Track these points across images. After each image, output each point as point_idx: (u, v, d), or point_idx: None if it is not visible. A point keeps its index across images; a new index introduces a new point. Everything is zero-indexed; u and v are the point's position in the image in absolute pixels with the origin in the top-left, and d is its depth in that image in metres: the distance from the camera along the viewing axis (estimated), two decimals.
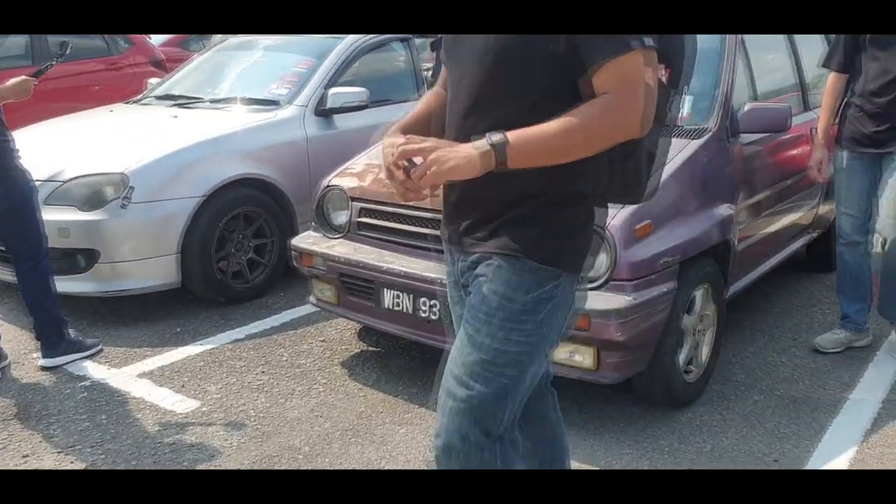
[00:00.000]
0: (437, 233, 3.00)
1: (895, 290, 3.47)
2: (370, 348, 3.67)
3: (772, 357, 3.56)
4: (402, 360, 3.52)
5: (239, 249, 4.21)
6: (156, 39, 12.58)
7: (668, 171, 2.94)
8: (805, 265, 4.67)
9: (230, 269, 4.17)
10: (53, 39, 8.38)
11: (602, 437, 2.88)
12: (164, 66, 9.10)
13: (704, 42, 3.52)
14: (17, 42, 8.19)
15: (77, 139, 4.42)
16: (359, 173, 3.44)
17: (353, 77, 4.93)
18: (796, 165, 3.89)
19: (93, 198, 3.81)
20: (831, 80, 3.48)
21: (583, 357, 2.75)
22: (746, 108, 3.28)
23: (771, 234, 3.78)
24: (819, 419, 3.00)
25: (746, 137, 3.38)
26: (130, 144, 4.13)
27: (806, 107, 4.12)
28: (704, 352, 3.18)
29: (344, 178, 3.44)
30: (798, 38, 4.19)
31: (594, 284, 2.70)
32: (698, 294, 3.06)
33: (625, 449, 2.81)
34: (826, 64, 3.53)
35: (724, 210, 3.15)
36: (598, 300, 2.65)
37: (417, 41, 5.50)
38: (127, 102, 5.19)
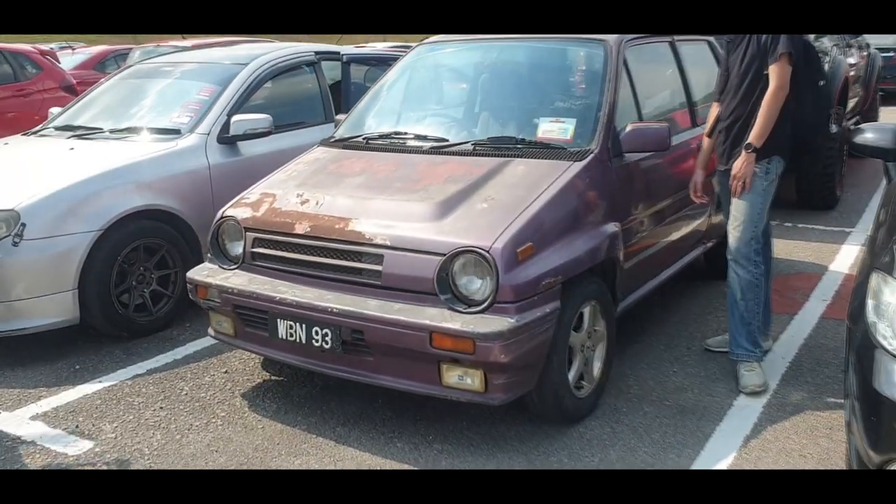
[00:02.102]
0: (329, 260, 3.05)
1: (736, 322, 3.49)
2: (273, 378, 3.66)
3: (665, 367, 3.68)
4: (304, 388, 3.53)
5: (141, 282, 4.16)
6: (69, 62, 12.34)
7: (550, 193, 3.05)
8: (704, 273, 4.84)
9: (132, 303, 4.12)
10: None
11: (494, 456, 2.94)
12: (75, 91, 8.91)
13: (587, 63, 3.68)
14: None
15: None
16: (253, 203, 3.44)
17: (260, 102, 4.93)
18: (684, 179, 4.04)
19: None
20: (711, 108, 3.68)
21: (472, 380, 2.81)
22: (628, 128, 3.39)
23: (663, 248, 3.91)
24: (704, 427, 3.11)
25: (631, 156, 3.50)
26: (23, 179, 4.05)
27: (694, 122, 4.28)
28: (596, 367, 3.27)
29: (238, 209, 3.44)
30: (685, 53, 4.35)
31: (478, 308, 2.77)
32: (586, 311, 3.15)
33: (516, 467, 2.87)
34: (715, 98, 3.71)
35: (609, 228, 3.26)
36: (482, 323, 2.71)
37: (324, 64, 5.53)
38: (25, 134, 5.07)
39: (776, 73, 3.26)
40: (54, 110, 5.46)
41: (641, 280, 3.76)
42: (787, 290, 4.68)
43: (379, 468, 2.88)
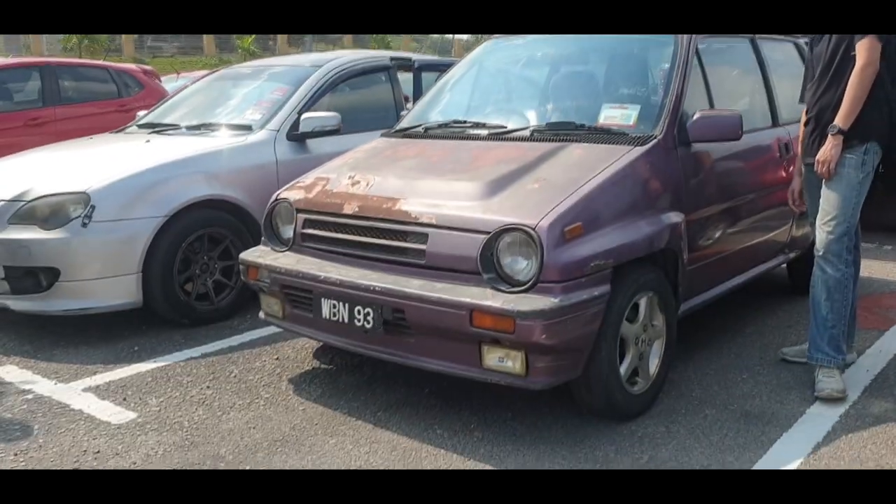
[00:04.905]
0: (376, 240, 2.98)
1: (819, 324, 3.25)
2: (323, 366, 3.60)
3: (734, 374, 3.42)
4: (352, 376, 3.46)
5: (204, 271, 4.21)
6: (175, 87, 12.88)
7: (605, 175, 2.90)
8: (785, 289, 4.54)
9: (195, 291, 4.16)
10: (62, 84, 8.67)
11: (536, 447, 2.77)
12: None
13: (656, 54, 3.52)
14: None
15: (49, 164, 4.49)
16: (307, 185, 3.42)
17: (333, 103, 4.97)
18: (761, 181, 3.80)
19: (54, 217, 3.84)
20: (803, 112, 3.44)
21: (512, 362, 2.67)
22: (696, 115, 3.21)
23: (736, 251, 3.68)
24: (769, 433, 2.86)
25: (702, 146, 3.31)
26: (97, 166, 4.18)
27: (775, 122, 4.04)
28: (653, 363, 3.07)
29: (292, 191, 3.43)
30: (767, 51, 4.13)
31: (522, 288, 2.63)
32: (642, 302, 2.97)
33: (557, 458, 2.69)
34: (800, 99, 3.49)
35: (670, 218, 3.07)
36: (524, 302, 2.58)
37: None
38: (113, 132, 5.28)
39: (863, 51, 3.03)
40: (141, 113, 5.66)
41: (710, 281, 3.53)
42: (880, 307, 4.32)
43: (413, 452, 2.76)
